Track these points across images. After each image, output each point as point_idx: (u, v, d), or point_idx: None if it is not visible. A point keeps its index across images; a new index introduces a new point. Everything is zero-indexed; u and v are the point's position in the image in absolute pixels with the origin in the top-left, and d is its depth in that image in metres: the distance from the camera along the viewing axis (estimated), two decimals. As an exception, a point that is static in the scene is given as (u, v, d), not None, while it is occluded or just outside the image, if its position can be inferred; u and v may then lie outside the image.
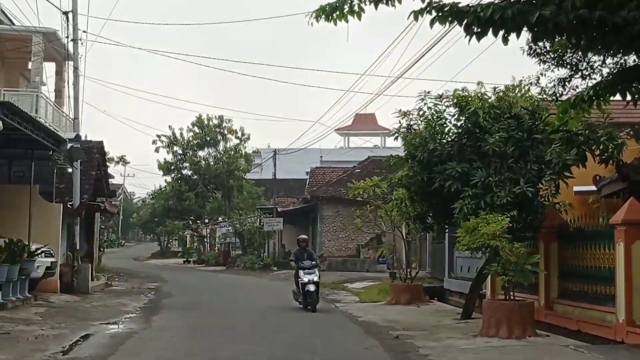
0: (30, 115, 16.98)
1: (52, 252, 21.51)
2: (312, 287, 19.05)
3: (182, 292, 27.57)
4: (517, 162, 15.68)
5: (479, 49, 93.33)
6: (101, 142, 27.53)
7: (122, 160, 49.52)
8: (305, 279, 19.18)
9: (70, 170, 23.79)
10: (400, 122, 17.50)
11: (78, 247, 24.90)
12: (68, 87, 26.31)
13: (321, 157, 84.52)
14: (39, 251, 20.08)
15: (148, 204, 65.78)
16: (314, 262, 19.93)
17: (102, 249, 43.37)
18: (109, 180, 34.70)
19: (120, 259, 76.18)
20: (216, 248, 63.10)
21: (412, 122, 17.43)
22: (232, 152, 52.03)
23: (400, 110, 17.58)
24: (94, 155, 26.59)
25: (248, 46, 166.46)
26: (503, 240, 13.95)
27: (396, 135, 17.69)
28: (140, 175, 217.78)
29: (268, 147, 58.86)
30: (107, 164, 45.23)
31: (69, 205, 24.16)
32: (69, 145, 21.06)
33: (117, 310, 19.17)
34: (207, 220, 62.91)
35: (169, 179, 52.69)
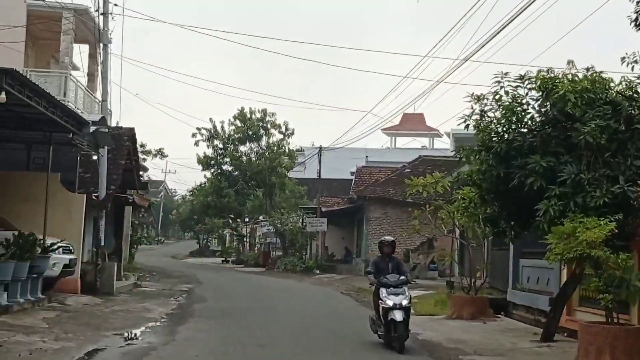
0: (43, 89, 14.56)
1: (71, 247, 19.25)
2: (399, 315, 12.72)
3: (216, 295, 25.16)
4: (614, 157, 12.92)
5: (565, 28, 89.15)
6: (132, 129, 25.13)
7: (160, 153, 47.13)
8: (390, 302, 12.85)
9: (96, 157, 21.54)
10: (472, 108, 14.77)
11: (102, 244, 22.65)
12: (98, 67, 24.05)
13: (367, 156, 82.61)
14: (55, 246, 17.81)
15: (187, 200, 63.64)
16: (402, 278, 13.57)
17: (135, 246, 41.24)
18: (142, 172, 32.49)
19: (157, 256, 74.50)
20: (256, 248, 60.87)
21: (486, 108, 14.69)
22: (275, 148, 49.69)
23: (472, 94, 14.85)
24: (124, 143, 24.26)
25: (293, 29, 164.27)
26: (606, 249, 11.25)
27: (466, 122, 14.91)
28: (181, 171, 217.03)
29: (312, 145, 56.37)
30: (144, 156, 43.41)
31: (93, 197, 21.90)
32: (92, 129, 18.72)
33: (140, 317, 16.75)
34: (247, 219, 60.69)
35: (208, 174, 50.54)
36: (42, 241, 17.11)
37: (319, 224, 43.82)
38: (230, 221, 73.53)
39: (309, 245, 46.83)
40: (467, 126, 15.06)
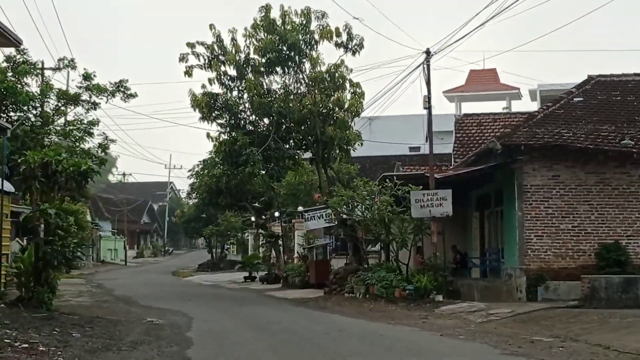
0: None
1: None
2: None
3: None
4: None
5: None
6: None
7: (121, 88, 25.07)
8: None
9: None
10: None
11: None
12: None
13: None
14: None
15: (193, 191, 41.48)
16: None
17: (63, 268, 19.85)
18: None
19: (151, 273, 52.57)
20: (295, 256, 38.24)
21: None
22: (330, 76, 27.45)
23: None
24: None
25: None
26: None
27: None
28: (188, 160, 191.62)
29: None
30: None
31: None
32: None
33: None
34: (277, 213, 38.64)
35: (213, 131, 28.00)
36: None
37: (436, 202, 21.64)
38: (255, 218, 51.49)
39: (420, 243, 24.36)
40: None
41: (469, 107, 71.34)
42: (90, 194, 54.08)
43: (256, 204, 36.94)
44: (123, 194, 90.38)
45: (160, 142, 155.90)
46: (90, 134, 26.41)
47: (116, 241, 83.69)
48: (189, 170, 38.73)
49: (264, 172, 27.28)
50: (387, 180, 23.97)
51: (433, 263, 22.05)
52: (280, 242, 36.42)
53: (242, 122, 28.46)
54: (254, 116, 27.72)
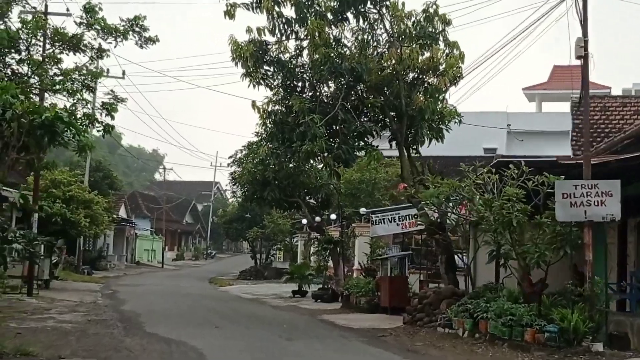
0: None
1: None
2: None
3: None
4: None
5: None
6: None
7: (136, 28, 17.78)
8: None
9: None
10: None
11: None
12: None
13: (509, 125, 53.99)
14: None
15: (234, 182, 33.93)
16: None
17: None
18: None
19: (186, 279, 45.58)
20: (355, 268, 30.46)
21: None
22: (420, 25, 19.78)
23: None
24: None
25: None
26: None
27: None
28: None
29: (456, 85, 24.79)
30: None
31: None
32: None
33: None
34: (340, 212, 31.13)
35: (260, 101, 20.46)
36: None
37: (595, 197, 13.92)
38: (305, 220, 44.28)
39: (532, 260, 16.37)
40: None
41: (551, 107, 63.39)
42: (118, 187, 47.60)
43: (311, 200, 29.43)
44: (166, 193, 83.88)
45: (206, 138, 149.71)
46: (91, 89, 19.26)
47: (154, 241, 77.23)
48: (230, 157, 31.31)
49: (326, 153, 19.62)
50: (505, 167, 16.18)
51: (588, 292, 14.21)
52: (339, 249, 28.83)
53: (300, 84, 21.01)
54: (316, 76, 20.12)
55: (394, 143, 21.41)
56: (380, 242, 28.47)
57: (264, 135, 23.49)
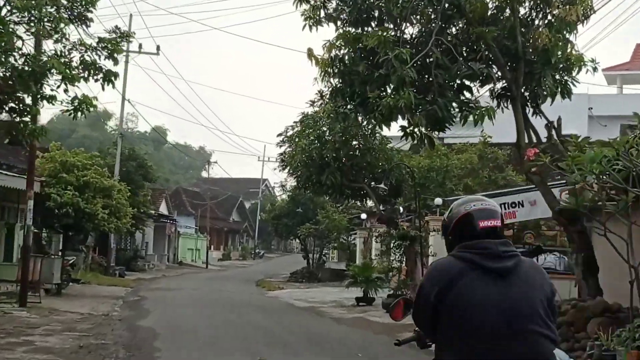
0: None
1: None
2: None
3: None
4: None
5: None
6: None
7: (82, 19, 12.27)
8: None
9: None
10: None
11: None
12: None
13: (590, 108, 48.84)
14: None
15: (284, 164, 28.10)
16: None
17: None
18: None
19: (230, 282, 40.30)
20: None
21: None
22: None
23: None
24: None
25: None
26: None
27: None
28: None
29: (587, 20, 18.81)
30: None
31: None
32: None
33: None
34: (418, 200, 25.19)
35: (320, 45, 14.94)
36: None
37: None
38: (364, 215, 38.96)
39: None
40: None
41: (634, 89, 56.86)
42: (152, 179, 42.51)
43: (381, 186, 23.59)
44: (210, 187, 78.97)
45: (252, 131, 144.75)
46: (83, 20, 13.79)
47: (198, 240, 72.35)
48: (279, 135, 25.49)
49: (415, 110, 13.75)
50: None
51: None
52: (417, 247, 22.93)
53: (377, 14, 15.21)
54: (397, 9, 14.30)
55: (502, 100, 15.48)
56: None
57: (324, 95, 17.66)
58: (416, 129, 14.05)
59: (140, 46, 40.25)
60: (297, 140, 23.88)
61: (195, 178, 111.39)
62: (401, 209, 29.14)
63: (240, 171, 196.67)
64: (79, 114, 14.48)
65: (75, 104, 14.36)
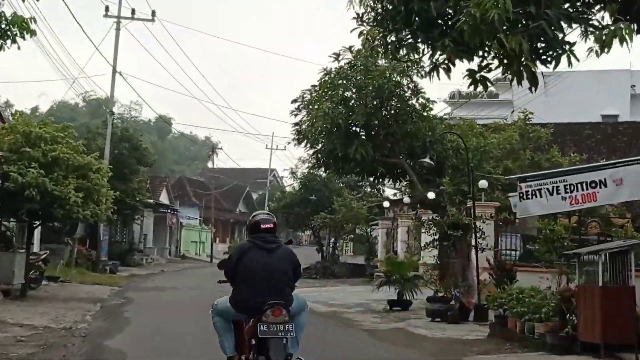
0: None
1: None
2: None
3: None
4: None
5: None
6: None
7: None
8: None
9: None
10: None
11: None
12: None
13: (633, 85, 48.56)
14: None
15: (300, 137, 23.13)
16: None
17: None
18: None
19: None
20: (483, 266, 19.72)
21: None
22: None
23: None
24: None
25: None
26: None
27: None
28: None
29: None
30: None
31: None
32: None
33: None
34: (471, 177, 20.54)
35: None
36: None
37: None
38: (387, 204, 34.32)
39: None
40: None
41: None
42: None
43: (426, 160, 18.70)
44: (215, 176, 74.35)
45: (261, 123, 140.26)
46: None
47: (202, 232, 67.95)
48: (294, 101, 20.41)
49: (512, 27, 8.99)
50: None
51: None
52: (471, 239, 18.15)
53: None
54: None
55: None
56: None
57: (366, 20, 12.93)
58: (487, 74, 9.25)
59: (133, 11, 35.58)
60: (317, 105, 19.06)
61: (200, 169, 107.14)
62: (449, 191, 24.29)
63: (247, 163, 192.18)
64: (9, 41, 9.92)
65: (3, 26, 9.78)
